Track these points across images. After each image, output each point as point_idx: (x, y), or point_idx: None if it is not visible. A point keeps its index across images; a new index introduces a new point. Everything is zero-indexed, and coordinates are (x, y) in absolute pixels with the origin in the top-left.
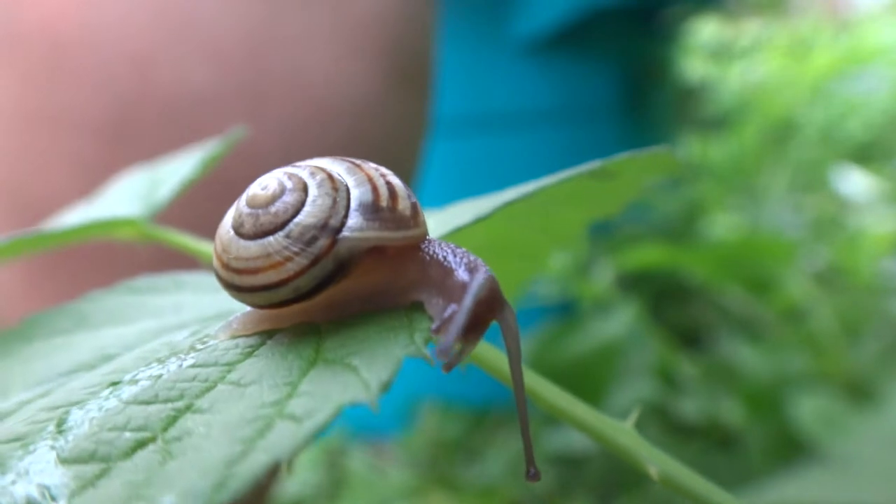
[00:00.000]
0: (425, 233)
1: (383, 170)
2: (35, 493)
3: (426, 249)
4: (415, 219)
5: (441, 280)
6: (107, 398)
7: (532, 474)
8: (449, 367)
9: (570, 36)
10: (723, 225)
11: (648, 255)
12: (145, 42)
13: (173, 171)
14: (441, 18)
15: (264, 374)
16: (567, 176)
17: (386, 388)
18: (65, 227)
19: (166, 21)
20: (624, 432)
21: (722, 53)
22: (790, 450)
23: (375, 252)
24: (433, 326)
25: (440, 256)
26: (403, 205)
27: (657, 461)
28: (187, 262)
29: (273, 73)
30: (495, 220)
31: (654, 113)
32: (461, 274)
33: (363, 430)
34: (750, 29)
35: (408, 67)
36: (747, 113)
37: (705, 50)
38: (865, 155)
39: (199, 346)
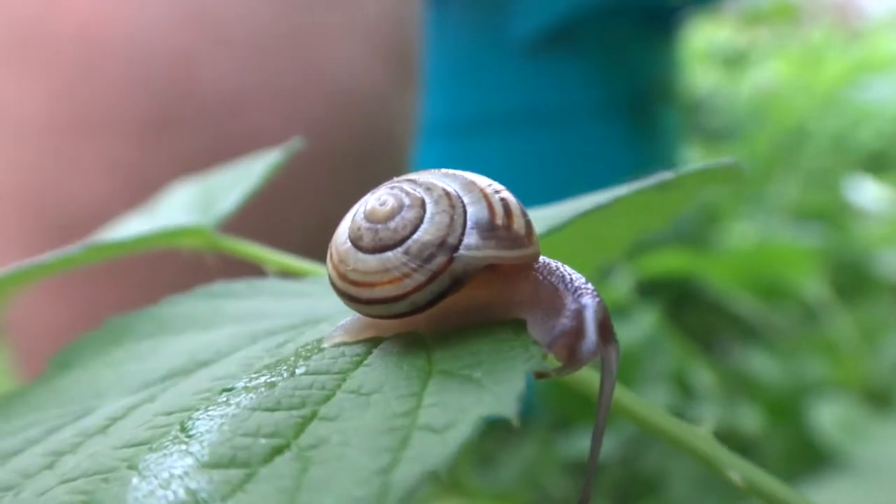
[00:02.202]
0: (538, 251)
1: (496, 185)
2: (186, 497)
3: (539, 269)
4: (529, 237)
5: (549, 302)
6: (227, 404)
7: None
8: (542, 375)
9: (568, 37)
10: (737, 233)
11: (669, 261)
12: (182, 42)
13: (234, 181)
14: (439, 21)
15: (384, 383)
16: (630, 189)
17: (521, 401)
18: (130, 237)
19: (203, 21)
20: (701, 438)
21: (733, 61)
22: (809, 457)
23: (489, 269)
24: (544, 344)
25: (553, 278)
26: (518, 223)
27: (737, 467)
28: (243, 270)
29: (305, 72)
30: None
31: (659, 117)
32: (571, 299)
33: None
34: (761, 37)
35: (407, 66)
36: (758, 121)
37: (715, 57)
38: (877, 164)
39: (304, 354)
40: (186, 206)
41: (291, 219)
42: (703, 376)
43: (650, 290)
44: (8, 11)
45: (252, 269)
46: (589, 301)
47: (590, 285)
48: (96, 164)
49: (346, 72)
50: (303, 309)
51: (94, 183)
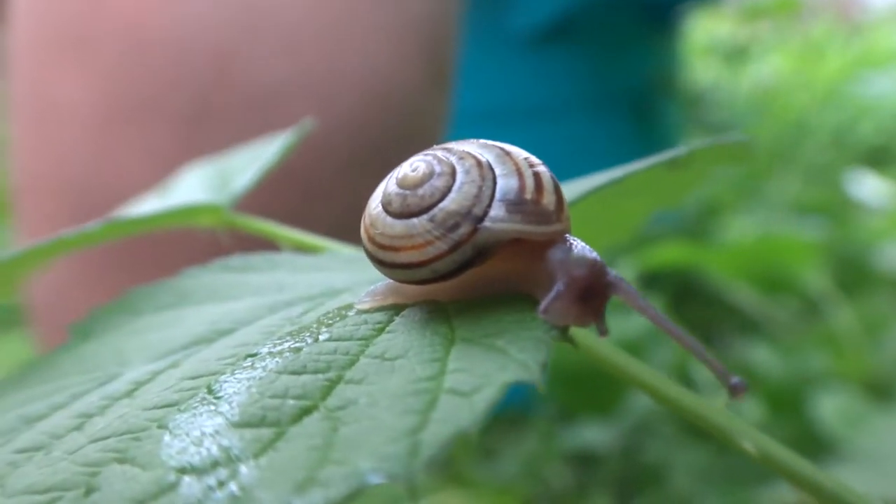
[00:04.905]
0: (567, 229)
1: (533, 159)
2: (218, 454)
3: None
4: (558, 214)
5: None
6: (253, 368)
7: (736, 384)
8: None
9: (567, 31)
10: (737, 228)
11: (670, 254)
12: (225, 38)
13: (248, 161)
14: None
15: (408, 349)
16: (641, 166)
17: (545, 369)
18: (147, 214)
19: (246, 17)
20: (715, 409)
21: (733, 55)
22: (811, 448)
23: (514, 243)
24: (540, 311)
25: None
26: (548, 199)
27: (751, 438)
28: (259, 248)
29: (342, 70)
30: None
31: (660, 111)
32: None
33: None
34: (762, 31)
35: (442, 66)
36: (759, 116)
37: (716, 51)
38: (877, 158)
39: (326, 321)
40: (201, 186)
41: (320, 211)
42: (704, 369)
43: (652, 282)
44: (59, 8)
45: (267, 249)
46: (573, 258)
47: (597, 257)
48: (138, 152)
49: (380, 70)
50: (321, 281)
51: (134, 170)
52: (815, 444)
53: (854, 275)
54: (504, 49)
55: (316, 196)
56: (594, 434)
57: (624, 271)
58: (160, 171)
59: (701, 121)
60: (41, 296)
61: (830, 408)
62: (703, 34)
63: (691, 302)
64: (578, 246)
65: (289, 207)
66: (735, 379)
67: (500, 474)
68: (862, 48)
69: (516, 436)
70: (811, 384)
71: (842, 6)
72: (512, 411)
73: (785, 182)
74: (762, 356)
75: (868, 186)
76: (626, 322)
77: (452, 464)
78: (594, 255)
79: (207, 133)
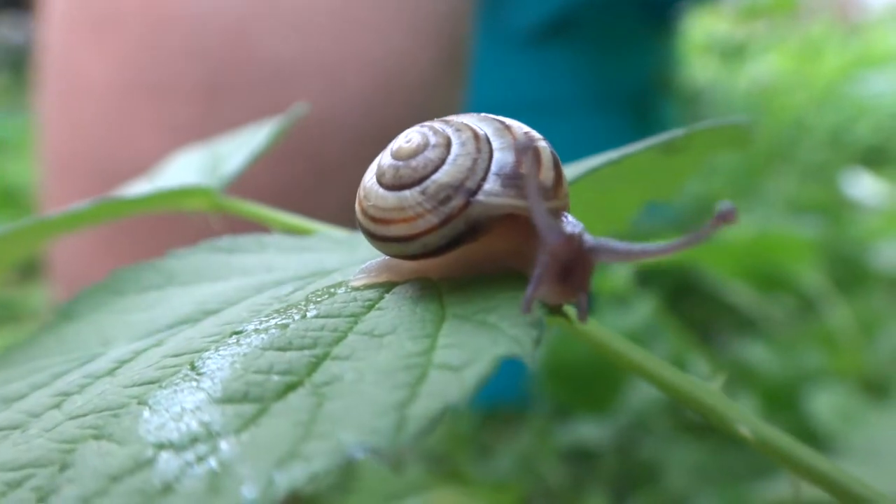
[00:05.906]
0: (565, 206)
1: (534, 134)
2: (198, 429)
3: None
4: (556, 190)
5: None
6: (238, 345)
7: (724, 211)
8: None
9: (566, 29)
10: (734, 226)
11: None
12: (238, 17)
13: (240, 145)
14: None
15: (398, 326)
16: (635, 150)
17: (537, 345)
18: (137, 195)
19: None
20: (711, 393)
21: (731, 54)
22: (807, 445)
23: (509, 219)
24: (527, 299)
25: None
26: (546, 175)
27: (747, 422)
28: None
29: (351, 50)
30: None
31: (658, 109)
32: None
33: None
34: (760, 30)
35: (455, 62)
36: (757, 115)
37: (714, 49)
38: (874, 158)
39: (315, 298)
40: (192, 169)
41: (329, 188)
42: (701, 366)
43: (648, 279)
44: None
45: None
46: (552, 237)
47: (575, 230)
48: (157, 127)
49: (391, 59)
50: (310, 262)
51: (153, 145)
52: (811, 441)
53: (850, 273)
54: (504, 46)
55: (325, 173)
56: (590, 431)
57: (620, 268)
58: (179, 144)
59: (699, 119)
60: (63, 267)
61: (826, 405)
62: (701, 33)
63: (688, 300)
64: (566, 220)
65: (297, 184)
66: (721, 207)
67: (496, 471)
68: (860, 48)
69: (512, 433)
70: (807, 381)
71: (840, 6)
72: (508, 408)
73: (782, 181)
74: (758, 354)
75: (865, 186)
76: (624, 317)
77: (448, 461)
78: (577, 228)
79: (222, 108)
